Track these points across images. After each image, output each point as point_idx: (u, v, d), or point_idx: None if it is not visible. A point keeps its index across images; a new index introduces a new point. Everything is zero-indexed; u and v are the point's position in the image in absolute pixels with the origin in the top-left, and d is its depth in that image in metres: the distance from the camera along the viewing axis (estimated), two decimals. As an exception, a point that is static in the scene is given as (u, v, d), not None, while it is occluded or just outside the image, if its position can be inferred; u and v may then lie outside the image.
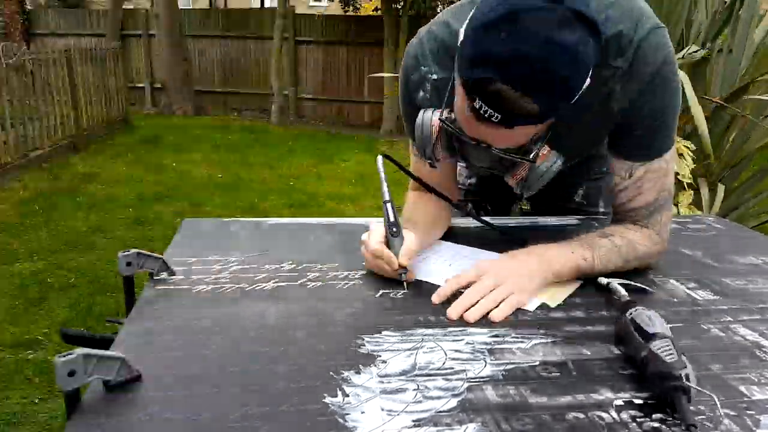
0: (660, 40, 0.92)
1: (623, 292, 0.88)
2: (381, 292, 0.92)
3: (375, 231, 0.95)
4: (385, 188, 0.97)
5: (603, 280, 0.95)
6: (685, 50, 2.35)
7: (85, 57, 6.56)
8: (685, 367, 0.65)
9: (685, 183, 2.11)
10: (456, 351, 0.76)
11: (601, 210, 1.34)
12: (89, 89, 6.65)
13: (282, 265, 1.01)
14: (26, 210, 4.23)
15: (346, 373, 0.70)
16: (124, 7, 9.78)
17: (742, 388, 0.69)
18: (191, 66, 9.05)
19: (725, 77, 2.52)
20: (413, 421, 0.62)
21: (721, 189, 2.29)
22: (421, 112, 0.95)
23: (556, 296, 0.92)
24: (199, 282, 0.94)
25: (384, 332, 0.80)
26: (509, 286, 0.88)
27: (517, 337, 0.80)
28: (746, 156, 2.55)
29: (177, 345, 0.75)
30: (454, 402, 0.65)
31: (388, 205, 0.95)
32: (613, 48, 0.90)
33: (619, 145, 1.00)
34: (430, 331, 0.81)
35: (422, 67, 1.03)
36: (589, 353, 0.76)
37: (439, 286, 0.92)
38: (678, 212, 2.10)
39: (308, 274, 0.98)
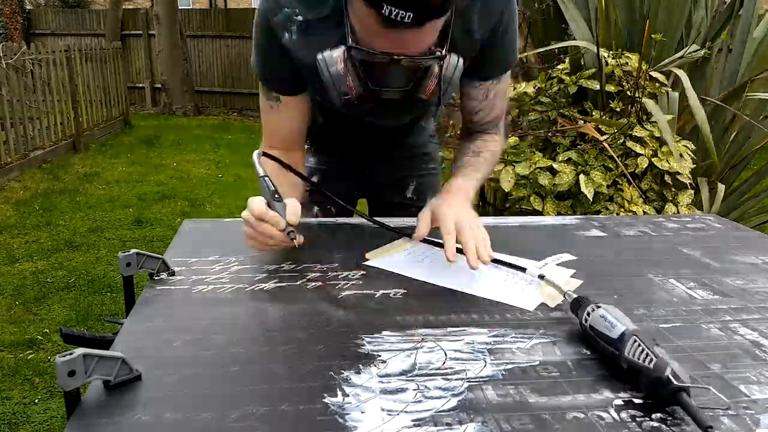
0: None
1: (564, 288, 0.88)
2: (381, 292, 0.92)
3: (254, 202, 0.93)
4: (257, 162, 0.97)
5: (534, 271, 0.97)
6: (685, 50, 2.35)
7: (85, 57, 6.56)
8: (668, 364, 0.64)
9: (685, 183, 2.11)
10: (456, 351, 0.76)
11: None
12: (89, 89, 6.65)
13: (282, 265, 1.01)
14: (26, 210, 4.23)
15: (346, 373, 0.70)
16: (124, 7, 9.78)
17: (742, 388, 0.70)
18: (191, 66, 9.05)
19: (725, 77, 2.53)
20: (413, 420, 0.62)
21: (721, 189, 2.29)
22: (319, 56, 0.96)
23: (556, 296, 0.92)
24: (199, 282, 0.94)
25: (384, 332, 0.80)
26: (481, 232, 0.98)
27: (517, 337, 0.80)
28: (746, 156, 2.56)
29: (177, 345, 0.75)
30: (454, 402, 0.65)
31: (266, 179, 0.94)
32: None
33: (479, 70, 1.08)
34: (429, 331, 0.81)
35: (285, 8, 1.00)
36: (588, 353, 0.76)
37: (438, 286, 0.94)
38: (678, 212, 2.10)
39: (308, 274, 0.98)
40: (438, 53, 0.94)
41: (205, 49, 9.50)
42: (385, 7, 0.78)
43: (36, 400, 2.11)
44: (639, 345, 0.67)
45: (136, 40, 9.61)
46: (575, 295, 0.84)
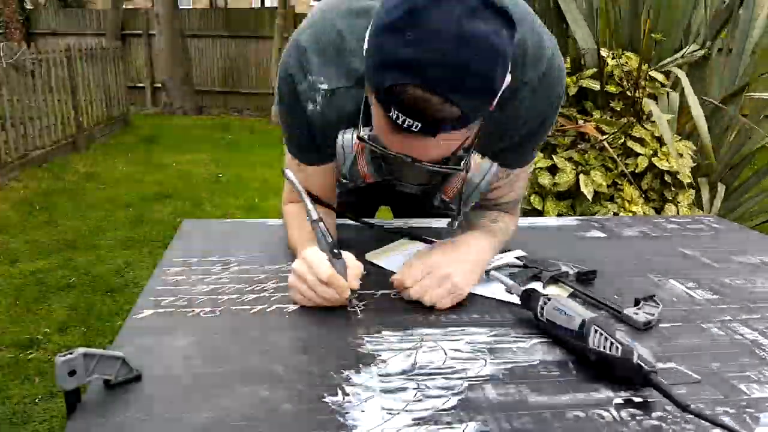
0: (561, 62, 0.92)
1: (511, 282, 0.90)
2: (381, 292, 0.92)
3: (317, 259, 0.84)
4: (310, 206, 0.87)
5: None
6: (685, 50, 2.35)
7: (86, 57, 6.56)
8: (633, 349, 0.67)
9: (685, 183, 2.11)
10: (456, 350, 0.76)
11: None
12: (89, 89, 6.65)
13: (282, 265, 1.01)
14: (26, 210, 4.22)
15: (346, 373, 0.70)
16: (124, 6, 9.77)
17: (742, 387, 0.70)
18: (191, 66, 9.04)
19: (725, 77, 2.52)
20: (413, 419, 0.62)
21: (721, 189, 2.29)
22: (340, 134, 0.90)
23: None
24: (199, 282, 0.94)
25: (384, 332, 0.80)
26: (456, 280, 0.88)
27: (517, 337, 0.80)
28: (746, 156, 2.55)
29: (177, 345, 0.75)
30: (454, 401, 0.65)
31: (321, 224, 0.86)
32: (519, 58, 0.84)
33: (506, 156, 0.96)
34: (429, 330, 0.81)
35: (309, 76, 0.90)
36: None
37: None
38: (678, 212, 2.10)
39: (308, 273, 0.98)
40: (459, 165, 0.84)
41: (205, 49, 9.49)
42: (392, 110, 0.70)
43: (36, 400, 2.11)
44: (601, 334, 0.70)
45: (136, 39, 9.59)
46: (522, 288, 0.85)
